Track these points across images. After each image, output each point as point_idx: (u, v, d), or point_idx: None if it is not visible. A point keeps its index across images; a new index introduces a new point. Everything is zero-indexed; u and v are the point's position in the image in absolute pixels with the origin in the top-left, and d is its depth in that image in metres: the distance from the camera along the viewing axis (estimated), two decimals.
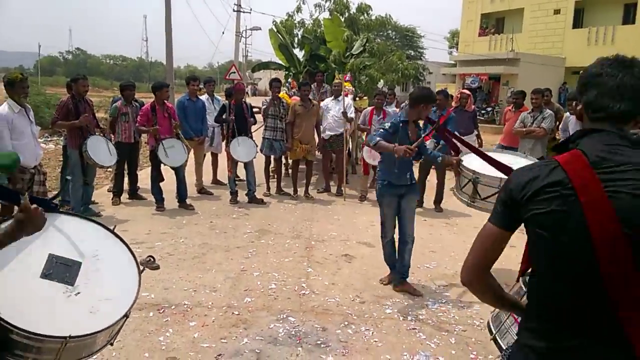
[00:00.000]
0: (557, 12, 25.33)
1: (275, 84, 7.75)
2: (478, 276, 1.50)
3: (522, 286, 1.88)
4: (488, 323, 2.10)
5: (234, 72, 18.27)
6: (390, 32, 38.58)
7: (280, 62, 13.40)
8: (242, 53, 43.81)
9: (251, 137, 7.44)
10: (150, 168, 7.09)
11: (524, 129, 6.96)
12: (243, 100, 7.46)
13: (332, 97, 8.15)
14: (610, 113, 1.34)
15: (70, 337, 2.02)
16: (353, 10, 13.09)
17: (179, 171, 6.89)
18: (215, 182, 8.54)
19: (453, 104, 8.83)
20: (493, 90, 24.48)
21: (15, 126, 4.78)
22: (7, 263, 2.09)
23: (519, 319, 1.65)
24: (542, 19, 25.91)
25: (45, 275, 2.14)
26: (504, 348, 1.87)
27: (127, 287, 2.36)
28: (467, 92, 8.75)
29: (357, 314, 3.97)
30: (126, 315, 2.26)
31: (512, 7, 27.23)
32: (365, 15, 13.14)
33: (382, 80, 12.28)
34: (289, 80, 12.01)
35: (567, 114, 6.09)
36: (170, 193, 6.99)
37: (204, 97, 8.15)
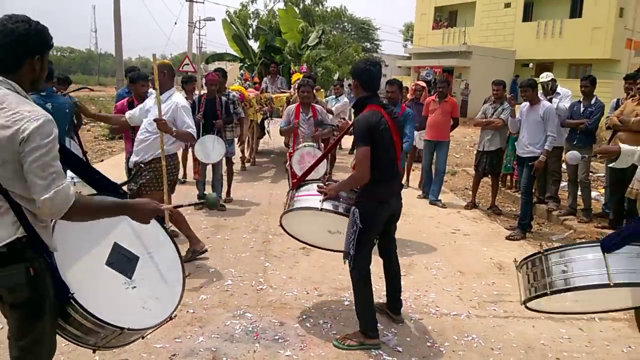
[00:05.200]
0: (507, 5, 26.08)
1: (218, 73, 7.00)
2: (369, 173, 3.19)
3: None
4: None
5: (188, 64, 17.90)
6: (346, 24, 38.69)
7: (234, 53, 13.18)
8: (196, 44, 42.92)
9: (220, 135, 6.59)
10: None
11: (484, 120, 6.97)
12: (218, 94, 6.81)
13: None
14: (376, 90, 3.41)
15: (128, 329, 2.09)
16: (308, 1, 13.03)
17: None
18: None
19: (408, 96, 8.81)
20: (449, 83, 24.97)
21: None
22: (79, 244, 2.14)
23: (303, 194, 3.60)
24: (493, 12, 26.62)
25: (109, 263, 2.19)
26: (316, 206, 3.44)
27: (173, 289, 2.41)
28: (422, 83, 8.70)
29: (315, 307, 3.95)
30: (170, 317, 2.33)
31: (465, 1, 27.88)
32: (320, 6, 13.09)
33: (337, 72, 12.29)
34: (241, 72, 11.80)
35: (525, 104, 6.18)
36: None
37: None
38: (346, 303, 4.03)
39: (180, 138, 4.54)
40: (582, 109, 6.36)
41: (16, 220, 1.84)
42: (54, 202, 1.78)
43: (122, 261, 2.23)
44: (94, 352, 2.36)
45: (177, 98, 4.62)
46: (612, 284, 2.31)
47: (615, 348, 3.51)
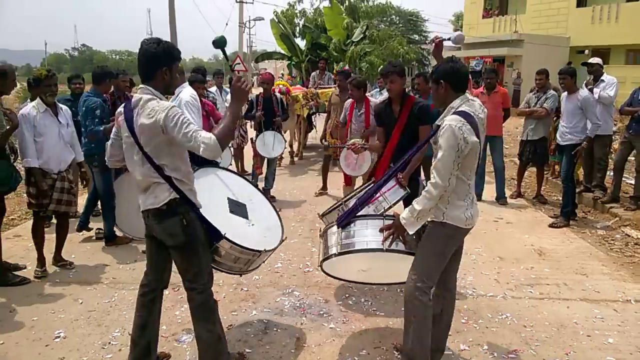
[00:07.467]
0: None
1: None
2: None
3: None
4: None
5: (239, 63, 18.48)
6: (393, 17, 38.41)
7: (282, 51, 13.63)
8: (247, 44, 43.92)
9: (279, 132, 7.13)
10: None
11: (527, 109, 6.97)
12: (272, 92, 7.26)
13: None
14: None
15: (265, 250, 3.09)
16: None
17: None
18: (243, 171, 8.61)
19: None
20: (497, 73, 24.43)
21: (38, 126, 4.41)
22: (205, 201, 2.85)
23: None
24: None
25: (232, 211, 3.17)
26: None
27: (277, 222, 3.49)
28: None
29: (357, 287, 4.23)
30: (282, 240, 3.35)
31: None
32: (365, 2, 13.30)
33: (382, 67, 12.46)
34: (282, 72, 12.16)
35: (564, 93, 6.19)
36: None
37: (213, 89, 8.21)
38: None
39: None
40: None
41: (169, 187, 2.61)
42: (210, 151, 2.42)
43: (239, 208, 3.17)
44: (240, 275, 3.48)
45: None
46: (337, 253, 2.96)
47: None
